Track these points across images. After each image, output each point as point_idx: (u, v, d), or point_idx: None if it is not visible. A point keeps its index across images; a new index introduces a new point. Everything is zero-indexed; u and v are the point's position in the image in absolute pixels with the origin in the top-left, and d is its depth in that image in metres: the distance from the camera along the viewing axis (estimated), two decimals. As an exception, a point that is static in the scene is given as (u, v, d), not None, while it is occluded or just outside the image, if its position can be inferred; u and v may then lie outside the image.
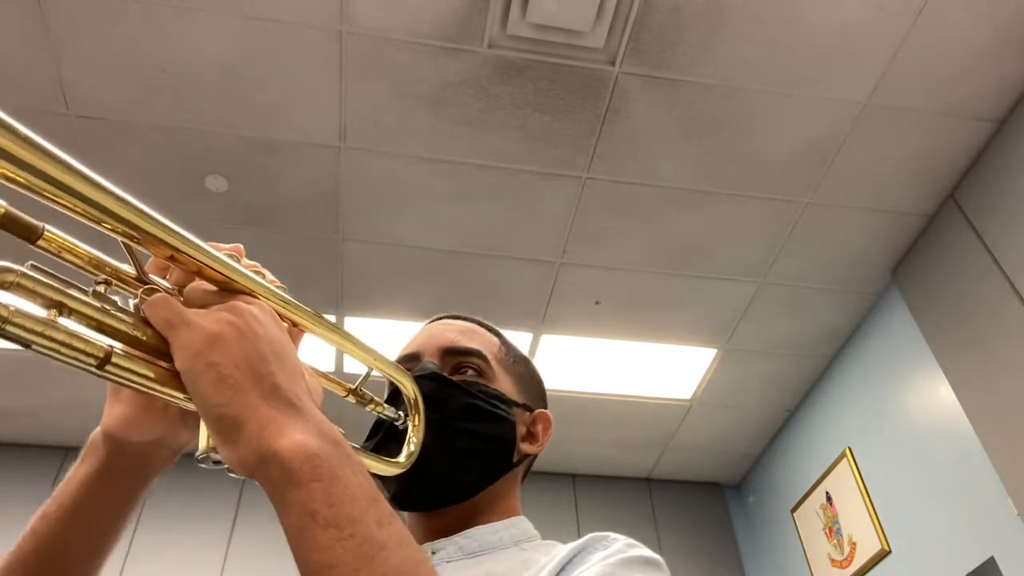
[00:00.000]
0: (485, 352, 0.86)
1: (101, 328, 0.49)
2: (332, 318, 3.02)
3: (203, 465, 0.52)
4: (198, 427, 0.52)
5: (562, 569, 0.64)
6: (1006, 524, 2.33)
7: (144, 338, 0.50)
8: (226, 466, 0.50)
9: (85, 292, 0.49)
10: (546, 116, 2.37)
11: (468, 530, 0.76)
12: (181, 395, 0.51)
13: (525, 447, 0.85)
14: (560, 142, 2.45)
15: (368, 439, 0.81)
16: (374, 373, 0.71)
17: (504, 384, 0.86)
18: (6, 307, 0.43)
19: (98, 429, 0.59)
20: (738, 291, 2.97)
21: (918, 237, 2.76)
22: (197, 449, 0.53)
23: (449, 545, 0.74)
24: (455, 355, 0.85)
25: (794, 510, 3.48)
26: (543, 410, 0.89)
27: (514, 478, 0.85)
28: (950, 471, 2.59)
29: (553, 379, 3.35)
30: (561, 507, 3.80)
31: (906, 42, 2.21)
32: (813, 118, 2.40)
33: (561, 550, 0.67)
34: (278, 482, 0.46)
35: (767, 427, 3.68)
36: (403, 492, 0.76)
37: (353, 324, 3.00)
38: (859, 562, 2.98)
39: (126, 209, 0.48)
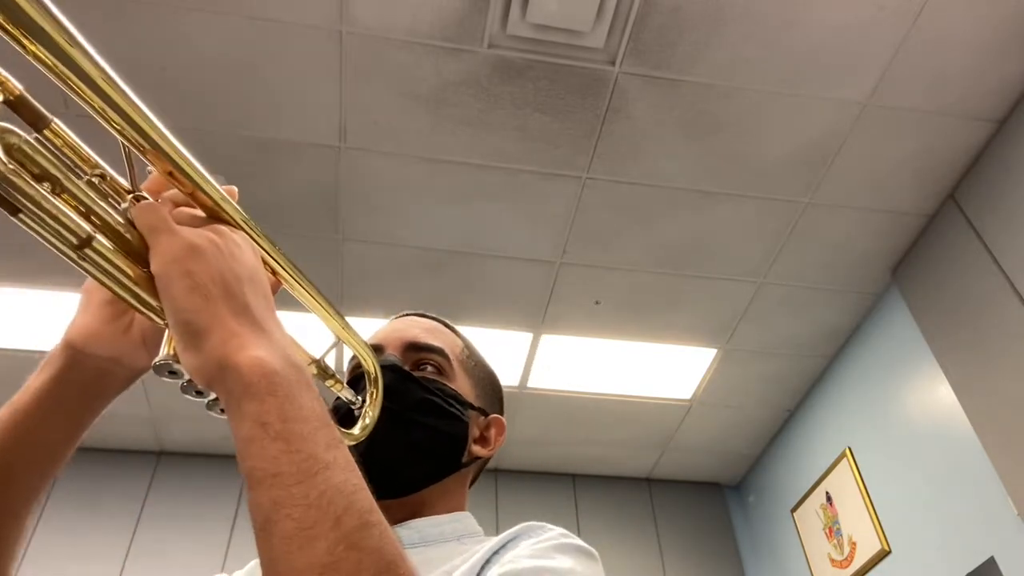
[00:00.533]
0: (447, 351, 0.88)
1: (88, 215, 0.49)
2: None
3: (159, 374, 0.53)
4: (158, 351, 0.53)
5: (494, 553, 0.65)
6: (1006, 524, 2.33)
7: (127, 236, 0.51)
8: (182, 381, 0.52)
9: (80, 178, 0.50)
10: (546, 116, 2.37)
11: (410, 521, 0.77)
12: (152, 301, 0.52)
13: (477, 449, 0.86)
14: (560, 142, 2.45)
15: None
16: (328, 363, 0.71)
17: (463, 385, 0.87)
18: (5, 164, 0.44)
19: (59, 341, 0.60)
20: (738, 291, 2.97)
21: (918, 237, 2.76)
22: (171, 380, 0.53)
23: None
24: (417, 351, 0.86)
25: (794, 510, 3.48)
26: (498, 416, 0.91)
27: (462, 479, 0.86)
28: (950, 471, 2.59)
29: (553, 379, 3.35)
30: (561, 507, 3.80)
31: (906, 42, 2.21)
32: (813, 118, 2.40)
33: (496, 539, 0.68)
34: (235, 392, 0.47)
35: (767, 427, 3.68)
36: None
37: (353, 324, 2.99)
38: (859, 562, 2.98)
39: (140, 115, 0.50)
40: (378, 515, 0.46)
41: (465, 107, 2.34)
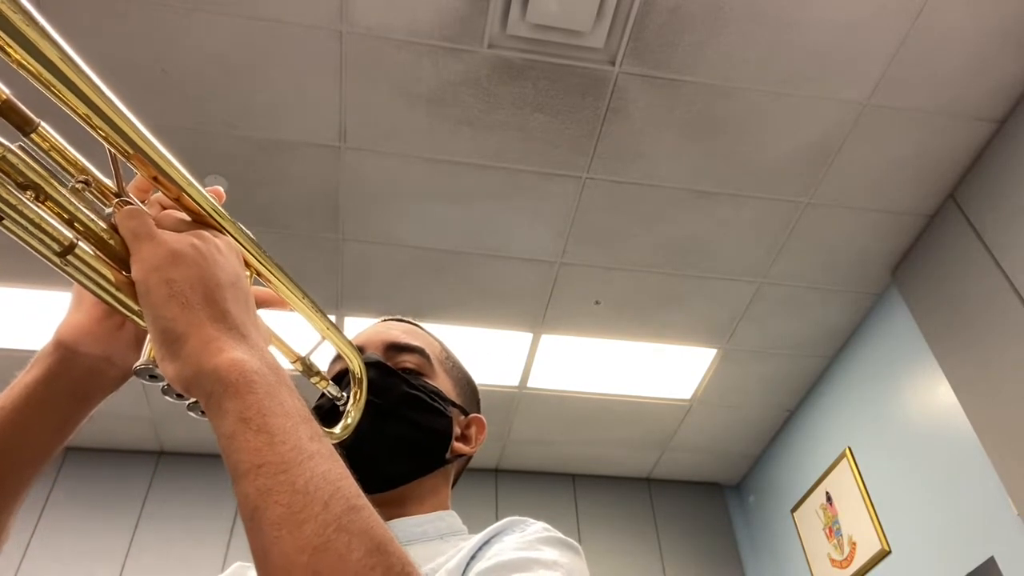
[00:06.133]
0: (427, 351, 0.90)
1: (72, 222, 0.50)
2: (332, 318, 3.02)
3: (140, 377, 0.54)
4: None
5: (479, 548, 0.66)
6: (1006, 524, 2.33)
7: (111, 243, 0.52)
8: (162, 384, 0.53)
9: (64, 185, 0.50)
10: (546, 116, 2.37)
11: (391, 521, 0.76)
12: (135, 305, 0.53)
13: (459, 446, 0.87)
14: (560, 142, 2.45)
15: None
16: (313, 361, 0.72)
17: (444, 383, 0.89)
18: None
19: (50, 338, 0.60)
20: (738, 291, 2.97)
21: (918, 237, 2.76)
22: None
23: None
24: (399, 351, 0.88)
25: (794, 510, 3.48)
26: (478, 415, 0.92)
27: (445, 476, 0.87)
28: (950, 471, 2.59)
29: (553, 379, 3.35)
30: (561, 507, 3.80)
31: (906, 42, 2.21)
32: (813, 118, 2.40)
33: (480, 535, 0.69)
34: (215, 393, 0.47)
35: (767, 427, 3.68)
36: None
37: (354, 324, 3.00)
38: (859, 562, 2.98)
39: (124, 121, 0.49)
40: (365, 500, 0.47)
41: (465, 107, 2.34)
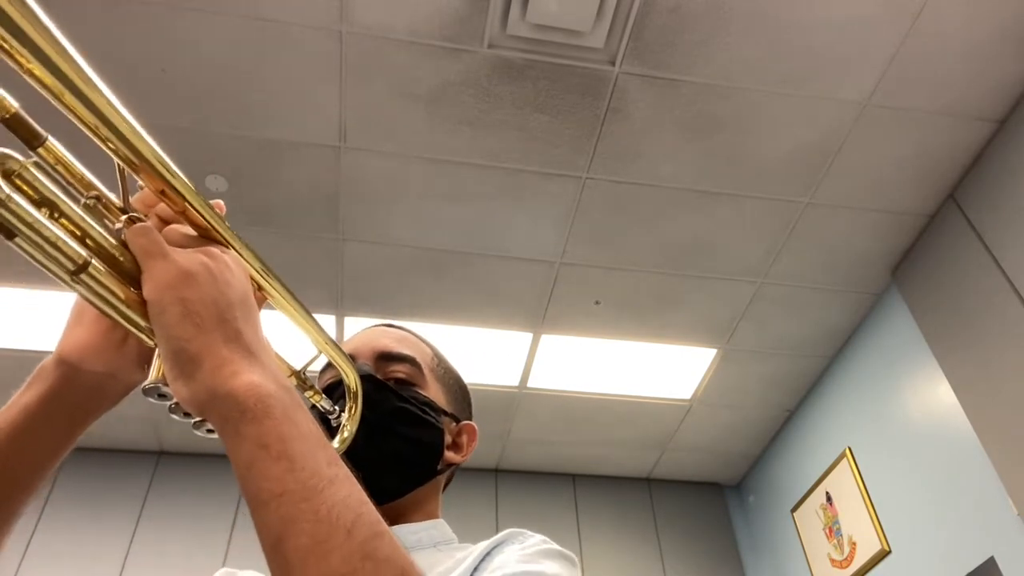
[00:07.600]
0: (419, 360, 0.89)
1: (84, 239, 0.49)
2: (332, 318, 3.03)
3: (149, 396, 0.53)
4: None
5: (481, 560, 0.67)
6: (1006, 524, 2.33)
7: (121, 260, 0.51)
8: (170, 403, 0.52)
9: (76, 201, 0.50)
10: (546, 116, 2.37)
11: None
12: (144, 323, 0.52)
13: (450, 456, 0.87)
14: (560, 142, 2.45)
15: None
16: (308, 373, 0.71)
17: (435, 392, 0.88)
18: (3, 190, 0.44)
19: (49, 356, 0.59)
20: (738, 291, 2.97)
21: (918, 237, 2.76)
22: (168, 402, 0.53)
23: None
24: (390, 360, 0.87)
25: (794, 510, 3.48)
26: (469, 422, 0.92)
27: (436, 485, 0.87)
28: (950, 471, 2.59)
29: (553, 379, 3.35)
30: (561, 507, 3.80)
31: (906, 42, 2.21)
32: (813, 118, 2.40)
33: (479, 546, 0.70)
34: (231, 418, 0.47)
35: (767, 427, 3.68)
36: None
37: (354, 324, 3.00)
38: (859, 562, 2.98)
39: (133, 132, 0.49)
40: (384, 526, 0.47)
41: (465, 107, 2.34)
